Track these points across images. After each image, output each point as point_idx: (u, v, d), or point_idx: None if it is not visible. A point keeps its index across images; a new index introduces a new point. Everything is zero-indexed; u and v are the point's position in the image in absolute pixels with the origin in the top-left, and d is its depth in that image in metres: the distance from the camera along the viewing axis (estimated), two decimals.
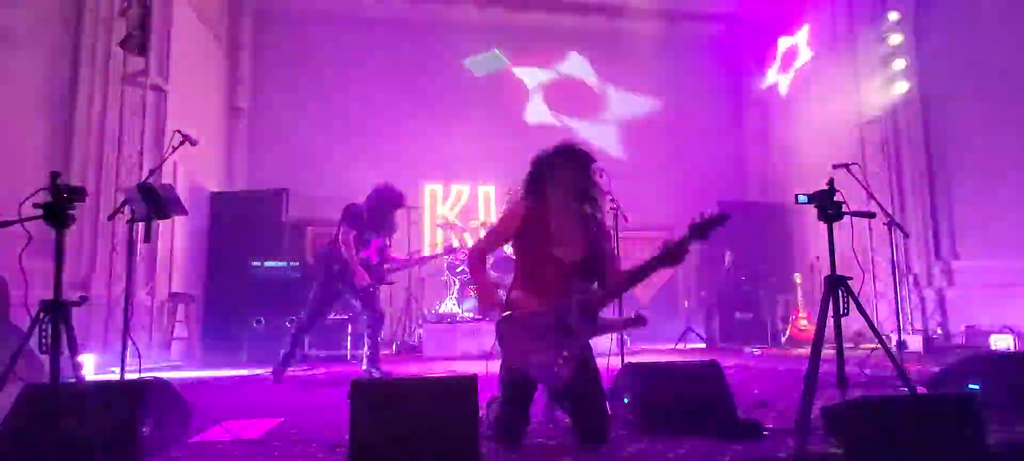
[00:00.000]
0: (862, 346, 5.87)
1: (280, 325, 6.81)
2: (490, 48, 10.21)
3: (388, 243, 5.39)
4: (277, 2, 10.05)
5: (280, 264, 7.35)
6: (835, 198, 2.84)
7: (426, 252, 9.62)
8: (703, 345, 8.50)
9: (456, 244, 7.79)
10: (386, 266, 5.36)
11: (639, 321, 2.68)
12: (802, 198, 2.91)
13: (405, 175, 9.41)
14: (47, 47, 6.68)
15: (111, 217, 4.11)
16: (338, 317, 7.06)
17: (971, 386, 3.33)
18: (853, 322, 2.79)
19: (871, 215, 3.36)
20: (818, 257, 8.22)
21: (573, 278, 2.77)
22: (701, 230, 2.59)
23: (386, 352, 7.49)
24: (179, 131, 4.34)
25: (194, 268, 8.00)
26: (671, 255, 2.63)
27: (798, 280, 8.20)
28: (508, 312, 2.79)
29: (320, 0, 9.99)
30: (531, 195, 2.92)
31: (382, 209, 5.24)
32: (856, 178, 5.00)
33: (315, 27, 9.77)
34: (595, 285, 2.85)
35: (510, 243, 3.05)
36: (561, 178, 2.85)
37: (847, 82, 8.65)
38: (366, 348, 5.29)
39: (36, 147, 6.46)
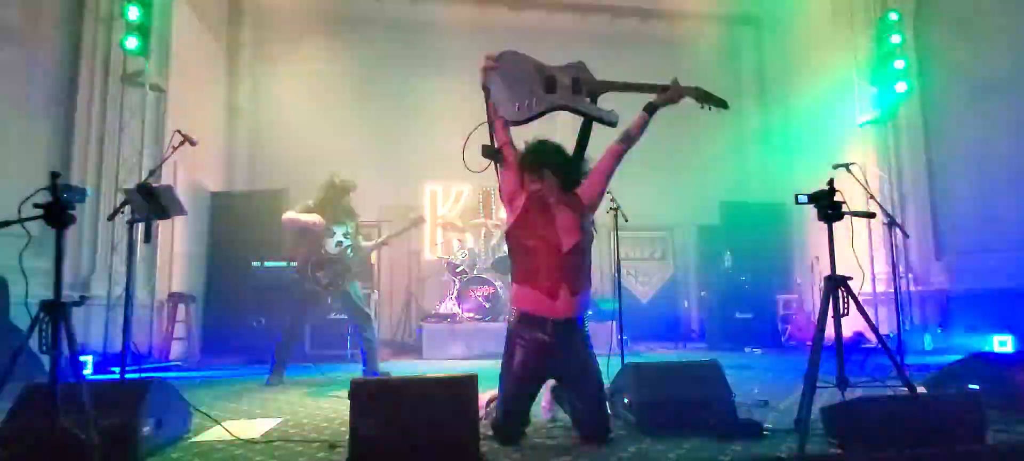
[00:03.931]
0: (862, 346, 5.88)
1: (280, 325, 6.79)
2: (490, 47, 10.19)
3: (349, 233, 5.26)
4: (277, 2, 10.04)
5: (280, 264, 7.32)
6: (835, 198, 2.84)
7: (426, 252, 9.62)
8: (703, 345, 8.50)
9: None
10: (350, 252, 5.22)
11: (610, 118, 3.00)
12: (802, 198, 2.92)
13: (406, 175, 9.47)
14: (47, 46, 6.67)
15: (111, 217, 4.11)
16: (337, 317, 7.05)
17: (971, 386, 3.33)
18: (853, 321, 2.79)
19: (871, 215, 3.37)
20: (818, 257, 8.22)
21: (569, 265, 2.78)
22: (707, 96, 3.11)
23: (386, 351, 7.48)
24: (179, 131, 4.34)
25: (194, 268, 7.99)
26: (667, 92, 3.07)
27: None
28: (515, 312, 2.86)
29: (320, 0, 9.97)
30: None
31: (330, 200, 5.21)
32: (856, 178, 5.02)
33: (315, 27, 9.75)
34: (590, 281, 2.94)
35: (506, 237, 3.07)
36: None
37: (847, 82, 8.65)
38: (362, 350, 5.29)
39: (36, 147, 6.45)
